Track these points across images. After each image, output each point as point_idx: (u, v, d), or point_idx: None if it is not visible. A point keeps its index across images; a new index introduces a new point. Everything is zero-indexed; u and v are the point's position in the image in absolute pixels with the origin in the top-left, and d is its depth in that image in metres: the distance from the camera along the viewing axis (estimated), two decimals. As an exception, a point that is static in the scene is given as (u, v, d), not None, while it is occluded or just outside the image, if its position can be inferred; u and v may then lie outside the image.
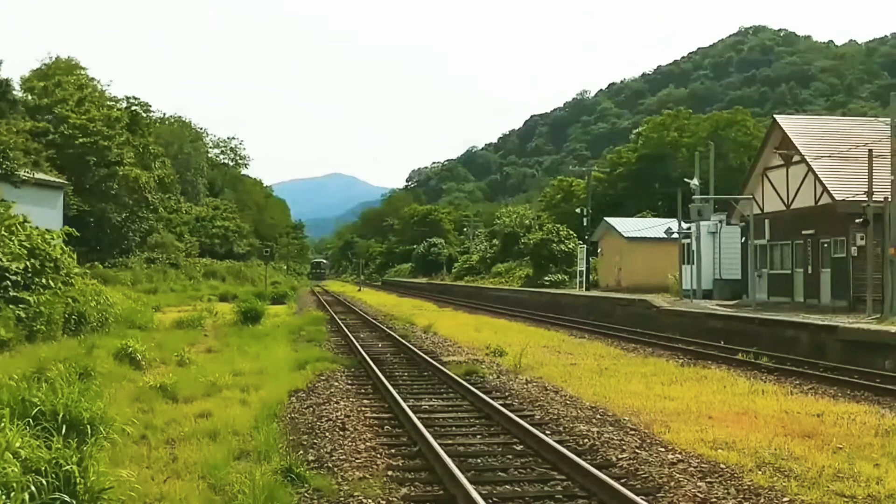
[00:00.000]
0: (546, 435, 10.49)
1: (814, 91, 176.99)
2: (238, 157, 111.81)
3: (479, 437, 11.11)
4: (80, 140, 51.17)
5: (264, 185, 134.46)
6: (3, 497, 5.75)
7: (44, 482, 6.16)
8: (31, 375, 10.56)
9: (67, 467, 6.39)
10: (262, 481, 7.63)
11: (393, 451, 10.15)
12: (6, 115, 41.27)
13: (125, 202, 55.75)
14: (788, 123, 33.63)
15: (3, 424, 6.83)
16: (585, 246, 53.98)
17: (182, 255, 65.66)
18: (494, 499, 8.07)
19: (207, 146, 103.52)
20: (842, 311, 26.57)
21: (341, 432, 11.04)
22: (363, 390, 15.16)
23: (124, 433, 9.38)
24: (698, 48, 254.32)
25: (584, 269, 52.77)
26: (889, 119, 26.91)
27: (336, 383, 15.76)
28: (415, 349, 21.35)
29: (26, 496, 5.89)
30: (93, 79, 63.80)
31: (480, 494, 7.70)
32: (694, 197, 36.43)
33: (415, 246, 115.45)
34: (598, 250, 55.13)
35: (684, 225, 39.10)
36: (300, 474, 8.44)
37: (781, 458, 9.46)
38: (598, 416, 12.29)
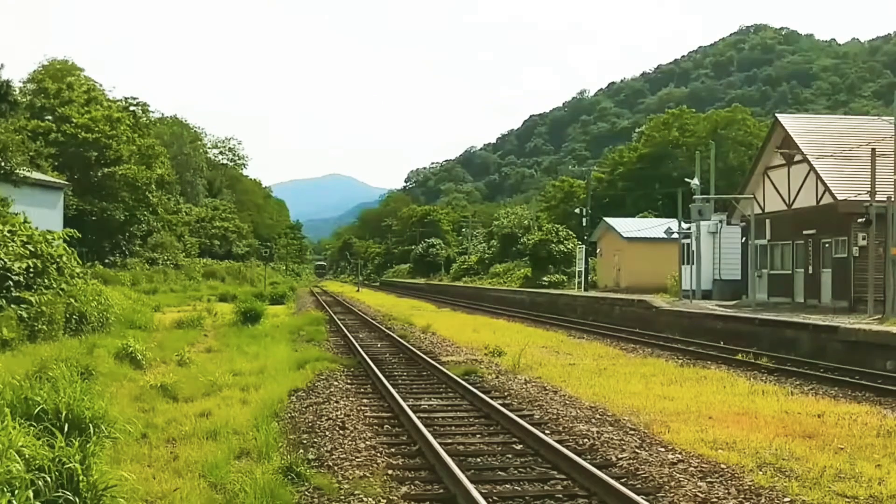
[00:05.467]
0: (546, 434, 10.49)
1: (815, 90, 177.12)
2: (237, 157, 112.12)
3: (478, 436, 11.11)
4: (83, 136, 51.25)
5: (263, 185, 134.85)
6: (9, 494, 5.77)
7: (47, 480, 6.19)
8: (33, 375, 10.58)
9: (70, 465, 6.41)
10: (263, 480, 7.65)
11: (393, 450, 10.16)
12: (6, 115, 41.29)
13: (126, 202, 55.79)
14: (790, 122, 33.55)
15: (6, 423, 6.86)
16: (584, 246, 53.97)
17: (182, 256, 65.76)
18: (495, 498, 8.07)
19: (206, 146, 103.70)
20: (842, 312, 26.54)
21: (341, 431, 11.05)
22: (363, 390, 15.16)
23: (125, 432, 9.41)
24: (699, 47, 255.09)
25: (582, 269, 52.75)
26: (892, 118, 26.90)
27: (336, 383, 15.77)
28: (414, 349, 21.36)
29: (31, 493, 5.93)
30: (95, 82, 64.01)
31: (481, 493, 7.72)
32: (694, 197, 36.38)
33: (413, 247, 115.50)
34: (598, 250, 55.10)
35: (684, 225, 39.08)
36: (301, 473, 8.46)
37: (782, 459, 9.46)
38: (598, 416, 12.29)
